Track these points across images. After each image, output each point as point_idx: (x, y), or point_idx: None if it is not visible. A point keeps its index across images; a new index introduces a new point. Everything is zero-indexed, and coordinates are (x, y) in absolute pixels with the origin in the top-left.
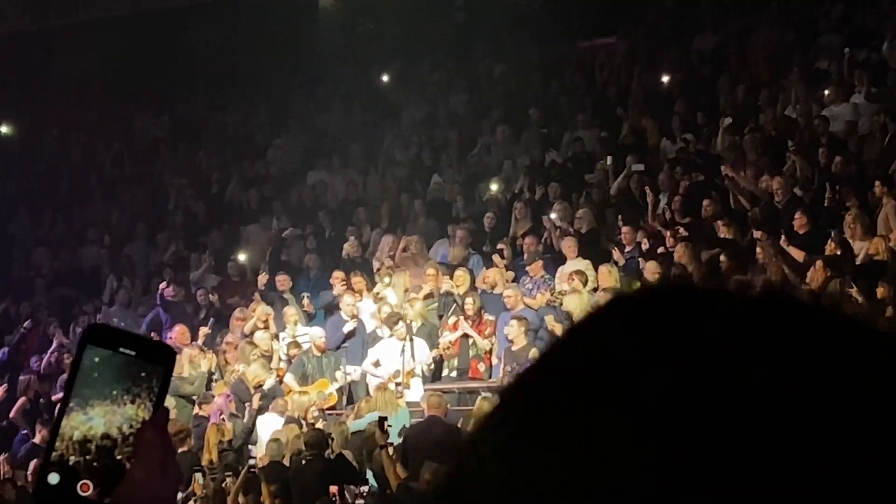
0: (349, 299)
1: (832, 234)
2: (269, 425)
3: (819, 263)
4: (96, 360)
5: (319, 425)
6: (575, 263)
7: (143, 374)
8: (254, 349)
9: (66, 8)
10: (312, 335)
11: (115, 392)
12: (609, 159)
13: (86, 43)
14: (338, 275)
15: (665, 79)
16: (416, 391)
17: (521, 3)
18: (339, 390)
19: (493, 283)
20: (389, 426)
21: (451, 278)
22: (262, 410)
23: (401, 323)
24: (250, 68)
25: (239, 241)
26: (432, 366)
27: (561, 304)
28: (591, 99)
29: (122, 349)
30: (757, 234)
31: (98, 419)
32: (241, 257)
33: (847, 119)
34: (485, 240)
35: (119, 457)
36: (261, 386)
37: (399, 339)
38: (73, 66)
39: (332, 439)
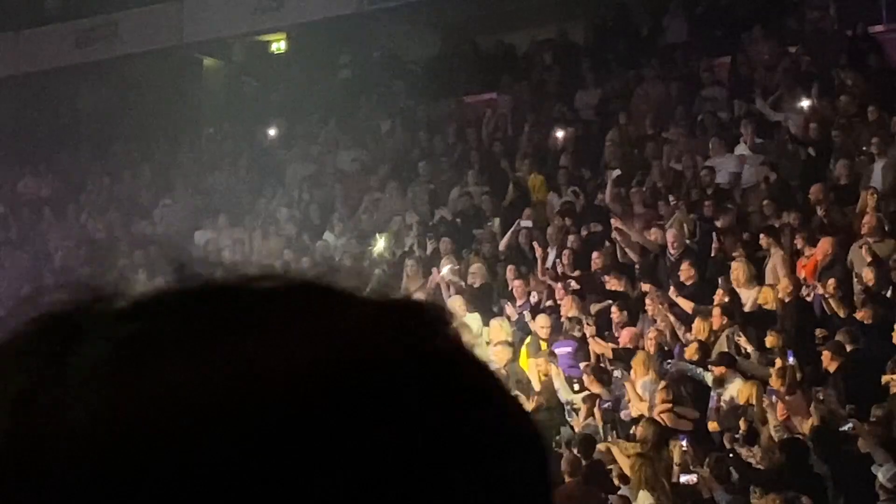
0: None
1: (720, 284)
2: None
3: (716, 311)
4: None
5: None
6: (466, 319)
7: None
8: None
9: None
10: None
11: None
12: (497, 221)
13: None
14: None
15: (551, 133)
16: None
17: (407, 60)
18: None
19: None
20: None
21: None
22: None
23: None
24: (136, 128)
25: None
26: None
27: None
28: (478, 154)
29: None
30: (645, 287)
31: None
32: None
33: (731, 171)
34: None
35: None
36: None
37: None
38: None
39: None
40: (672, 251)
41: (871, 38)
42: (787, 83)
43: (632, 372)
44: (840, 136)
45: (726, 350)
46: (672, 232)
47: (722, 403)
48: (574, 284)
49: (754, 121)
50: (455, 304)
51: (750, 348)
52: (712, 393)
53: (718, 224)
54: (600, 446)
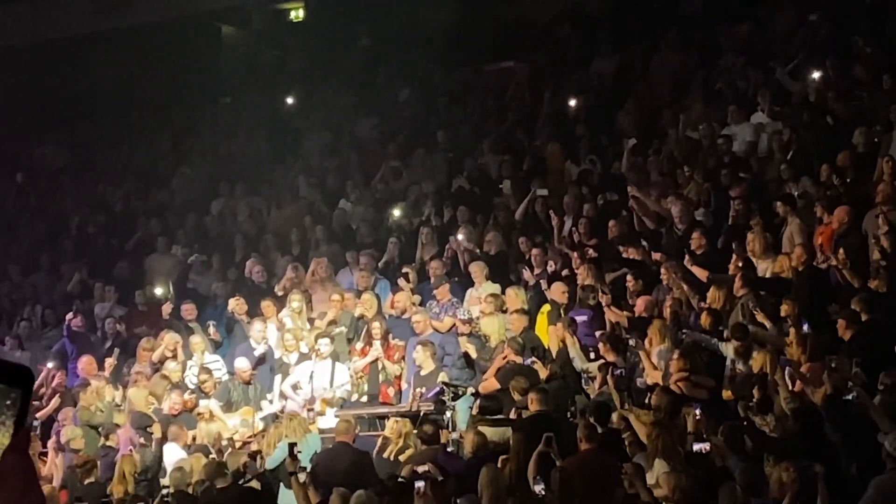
0: (259, 325)
1: (735, 252)
2: (173, 454)
3: (738, 279)
4: None
5: (227, 456)
6: (486, 287)
7: (1, 399)
8: (166, 381)
9: None
10: (238, 367)
11: None
12: (508, 183)
13: None
14: (235, 301)
15: (569, 102)
16: (329, 418)
17: (426, 28)
18: (264, 419)
19: (403, 308)
20: (299, 452)
21: (358, 303)
22: (165, 439)
23: (322, 345)
24: (154, 97)
25: (143, 270)
26: (350, 389)
27: (478, 328)
28: (495, 123)
29: None
30: (656, 255)
31: None
32: (149, 287)
33: (748, 139)
34: (391, 265)
35: None
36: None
37: (321, 359)
38: None
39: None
40: (679, 222)
41: (891, 6)
42: (805, 51)
43: (647, 340)
44: (858, 104)
45: (741, 319)
46: (679, 202)
47: (736, 372)
48: (590, 253)
49: (772, 89)
50: (474, 271)
51: (761, 317)
52: (727, 362)
53: (734, 193)
54: (615, 415)
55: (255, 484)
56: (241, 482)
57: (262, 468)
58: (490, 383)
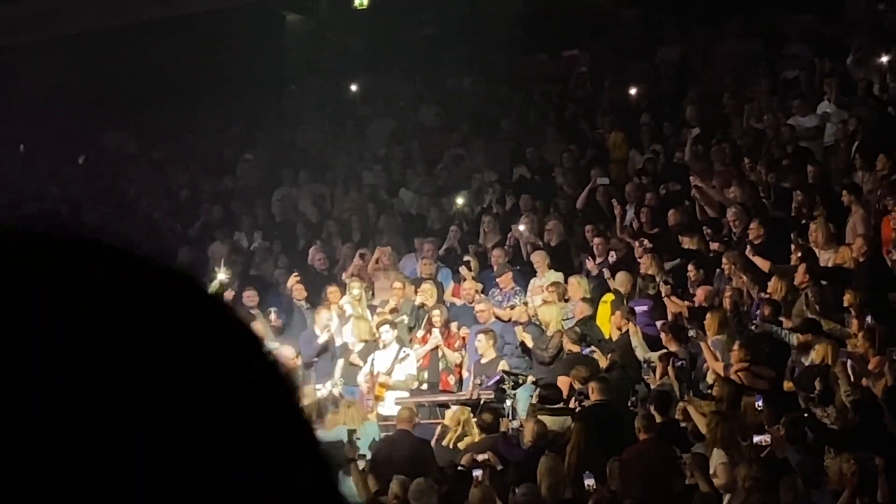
0: (326, 314)
1: (797, 242)
2: None
3: (801, 268)
4: None
5: None
6: (549, 276)
7: None
8: None
9: (34, 24)
10: (284, 354)
11: None
12: (560, 172)
13: (53, 59)
14: (295, 279)
15: (632, 91)
16: (389, 405)
17: (490, 16)
18: (310, 405)
19: (472, 296)
20: (358, 439)
21: (418, 291)
22: None
23: (383, 332)
24: (218, 84)
25: (207, 256)
26: (413, 374)
27: (535, 315)
28: (558, 111)
29: None
30: (714, 245)
31: None
32: (212, 274)
33: (813, 128)
34: (454, 253)
35: None
36: None
37: (383, 346)
38: (41, 83)
39: None
40: (741, 212)
41: None
42: (872, 40)
43: (707, 330)
44: None
45: (805, 309)
46: (738, 191)
47: (798, 363)
48: (646, 243)
49: (838, 78)
50: (536, 260)
51: (818, 308)
52: (791, 353)
53: (798, 183)
54: (676, 405)
55: None
56: None
57: None
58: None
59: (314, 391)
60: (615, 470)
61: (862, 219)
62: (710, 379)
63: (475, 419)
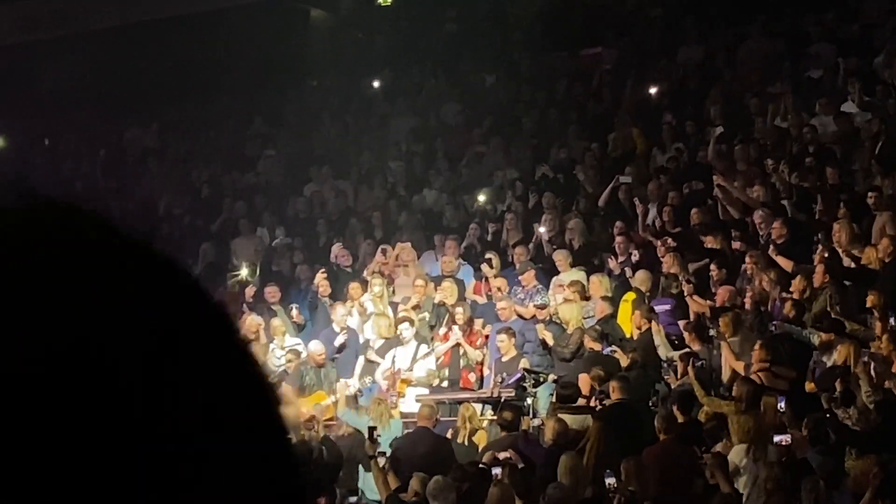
0: (342, 310)
1: (820, 243)
2: None
3: (819, 268)
4: None
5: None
6: (570, 274)
7: None
8: None
9: (56, 20)
10: (311, 350)
11: None
12: (580, 169)
13: (76, 54)
14: (322, 276)
15: (654, 89)
16: (410, 402)
17: (513, 14)
18: (335, 402)
19: (502, 293)
20: (379, 436)
21: (438, 289)
22: None
23: (403, 330)
24: (241, 80)
25: (229, 252)
26: (433, 369)
27: (556, 312)
28: (580, 110)
29: None
30: (736, 244)
31: None
32: (237, 269)
33: (837, 129)
34: (475, 250)
35: None
36: None
37: (404, 343)
38: (63, 78)
39: (324, 449)
40: (763, 212)
41: None
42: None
43: (728, 330)
44: None
45: (826, 308)
46: (763, 190)
47: (820, 363)
48: (669, 242)
49: (862, 78)
50: (558, 259)
51: (838, 309)
52: (813, 354)
53: (821, 183)
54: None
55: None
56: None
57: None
58: None
59: (336, 390)
60: (631, 469)
61: (890, 220)
62: (725, 378)
63: (495, 417)
